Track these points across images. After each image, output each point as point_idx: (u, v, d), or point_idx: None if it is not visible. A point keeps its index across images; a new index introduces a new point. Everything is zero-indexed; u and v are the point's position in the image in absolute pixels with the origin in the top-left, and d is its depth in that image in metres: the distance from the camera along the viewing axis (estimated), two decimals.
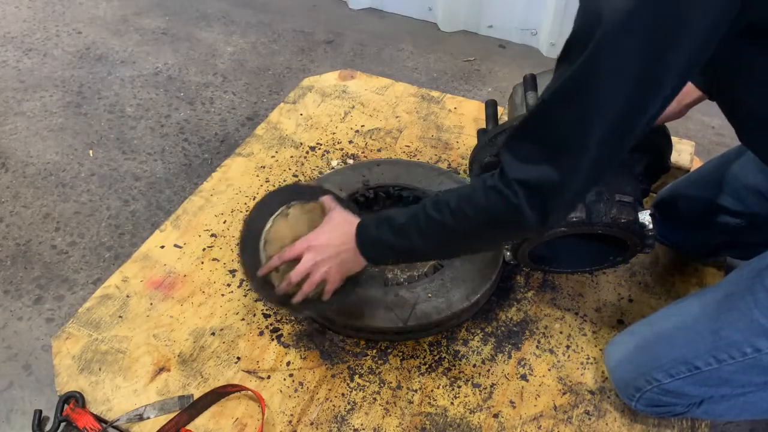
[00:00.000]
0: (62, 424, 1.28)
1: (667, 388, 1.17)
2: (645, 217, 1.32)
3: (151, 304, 1.51)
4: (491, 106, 1.55)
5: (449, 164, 1.90)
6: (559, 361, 1.41)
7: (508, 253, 1.44)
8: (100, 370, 1.37)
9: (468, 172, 1.57)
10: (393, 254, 1.13)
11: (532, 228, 0.96)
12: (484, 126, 1.56)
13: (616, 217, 1.28)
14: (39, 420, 1.32)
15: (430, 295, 1.44)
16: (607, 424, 1.30)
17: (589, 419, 1.30)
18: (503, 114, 1.92)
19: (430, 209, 1.04)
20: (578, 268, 1.53)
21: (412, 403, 1.33)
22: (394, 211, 1.11)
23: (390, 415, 1.31)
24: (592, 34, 0.80)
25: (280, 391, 1.34)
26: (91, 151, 2.11)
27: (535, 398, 1.34)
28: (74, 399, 1.30)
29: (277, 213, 1.30)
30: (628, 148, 0.92)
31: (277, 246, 1.23)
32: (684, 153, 1.77)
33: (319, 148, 1.97)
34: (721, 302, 1.12)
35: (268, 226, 1.28)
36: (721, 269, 1.60)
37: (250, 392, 1.32)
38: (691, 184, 1.54)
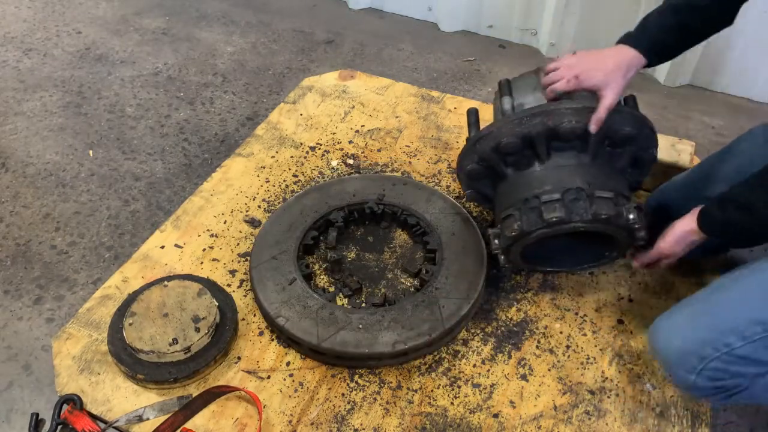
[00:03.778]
0: (59, 427, 1.28)
1: (739, 353, 1.11)
2: (629, 209, 1.31)
3: None
4: (473, 115, 1.58)
5: (449, 164, 1.90)
6: (559, 361, 1.41)
7: (502, 257, 1.44)
8: (100, 370, 1.37)
9: (458, 179, 1.59)
10: (735, 230, 1.22)
11: None
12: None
13: (596, 213, 1.28)
14: (36, 423, 1.32)
15: (361, 326, 1.39)
16: (607, 424, 1.30)
17: (589, 419, 1.30)
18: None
19: None
20: (575, 267, 1.53)
21: (412, 403, 1.33)
22: (731, 192, 1.20)
23: (390, 415, 1.31)
24: None
25: (280, 391, 1.34)
26: (91, 151, 2.11)
27: (535, 398, 1.34)
28: (72, 401, 1.30)
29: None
30: None
31: (143, 306, 1.41)
32: (684, 153, 1.77)
33: (319, 148, 1.97)
34: None
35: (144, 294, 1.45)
36: (720, 268, 1.60)
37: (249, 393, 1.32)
38: (694, 181, 1.53)
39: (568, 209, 1.29)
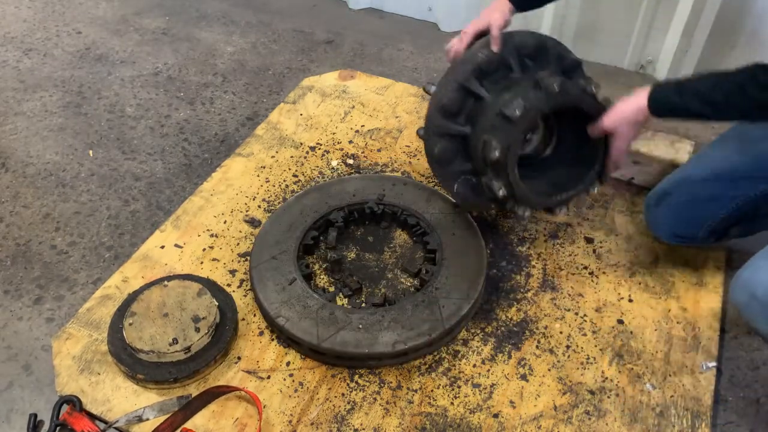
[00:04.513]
0: (58, 429, 1.28)
1: None
2: (576, 79, 1.46)
3: None
4: (421, 130, 1.64)
5: None
6: (559, 361, 1.41)
7: (520, 211, 1.48)
8: (100, 370, 1.37)
9: (444, 185, 1.64)
10: (688, 116, 1.33)
11: None
12: None
13: (549, 89, 1.37)
14: (34, 424, 1.32)
15: (361, 326, 1.39)
16: (607, 424, 1.30)
17: (589, 419, 1.30)
18: None
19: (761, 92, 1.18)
20: (581, 187, 1.53)
21: (412, 403, 1.33)
22: (693, 84, 1.27)
23: (390, 415, 1.31)
24: None
25: (280, 391, 1.34)
26: (91, 151, 2.11)
27: (535, 398, 1.34)
28: (71, 403, 1.30)
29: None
30: None
31: (143, 306, 1.41)
32: (682, 151, 1.77)
33: (319, 148, 1.97)
34: None
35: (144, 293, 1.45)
36: (720, 268, 1.60)
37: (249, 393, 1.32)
38: (691, 163, 1.55)
39: (526, 100, 1.38)
